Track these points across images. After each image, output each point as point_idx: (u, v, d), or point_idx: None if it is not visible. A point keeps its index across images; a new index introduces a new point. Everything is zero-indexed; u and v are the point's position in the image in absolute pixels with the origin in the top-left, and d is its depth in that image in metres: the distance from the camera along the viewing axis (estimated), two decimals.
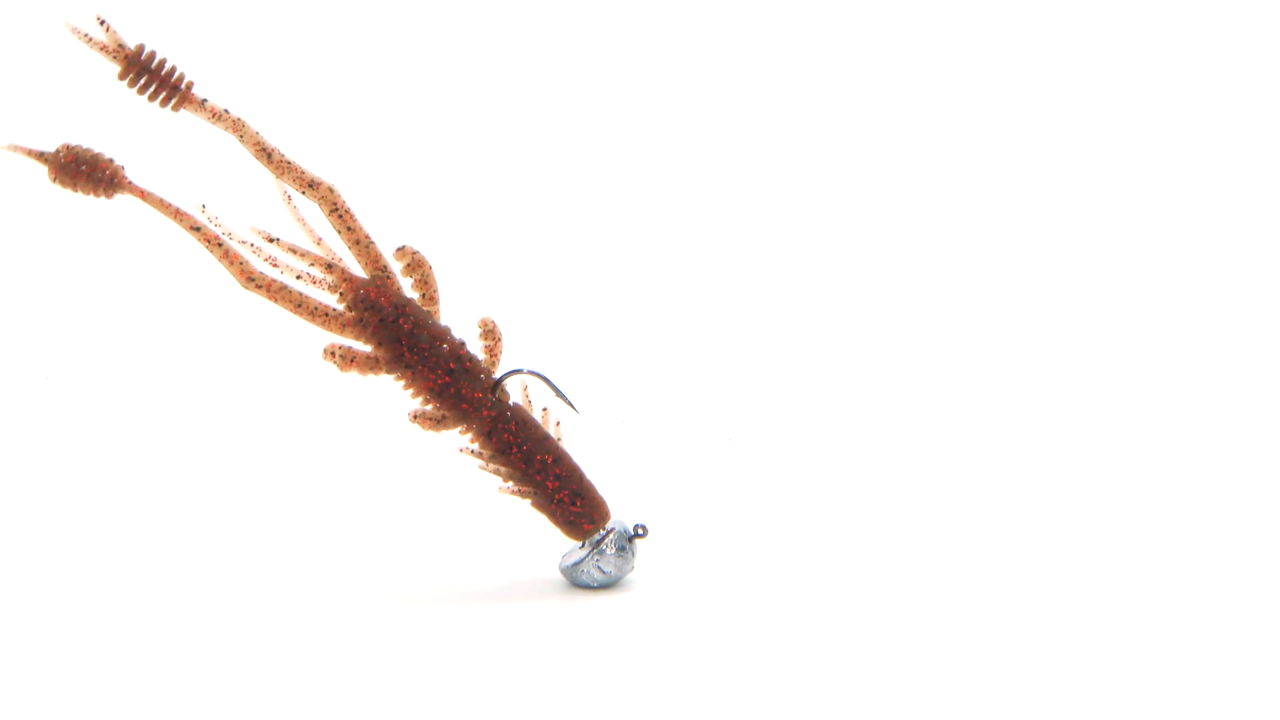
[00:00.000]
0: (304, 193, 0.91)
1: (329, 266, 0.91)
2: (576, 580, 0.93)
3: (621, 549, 0.93)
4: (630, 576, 0.94)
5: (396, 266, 0.92)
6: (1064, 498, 1.06)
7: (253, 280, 0.91)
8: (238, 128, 0.90)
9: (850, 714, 0.79)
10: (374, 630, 0.89)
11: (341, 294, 0.91)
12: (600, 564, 0.93)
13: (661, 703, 0.81)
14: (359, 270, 0.92)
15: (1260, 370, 1.24)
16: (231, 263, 0.91)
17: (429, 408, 0.92)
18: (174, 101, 0.89)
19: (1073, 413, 1.20)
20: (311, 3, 1.43)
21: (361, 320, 0.91)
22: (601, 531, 0.93)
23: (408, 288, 0.92)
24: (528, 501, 0.94)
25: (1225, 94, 1.40)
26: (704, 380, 1.27)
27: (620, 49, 1.43)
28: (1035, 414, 1.20)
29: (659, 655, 0.86)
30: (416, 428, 0.92)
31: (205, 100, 0.90)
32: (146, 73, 0.89)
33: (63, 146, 0.90)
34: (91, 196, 0.90)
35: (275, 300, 0.91)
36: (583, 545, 0.93)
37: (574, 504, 0.93)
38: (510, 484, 0.93)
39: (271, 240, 0.91)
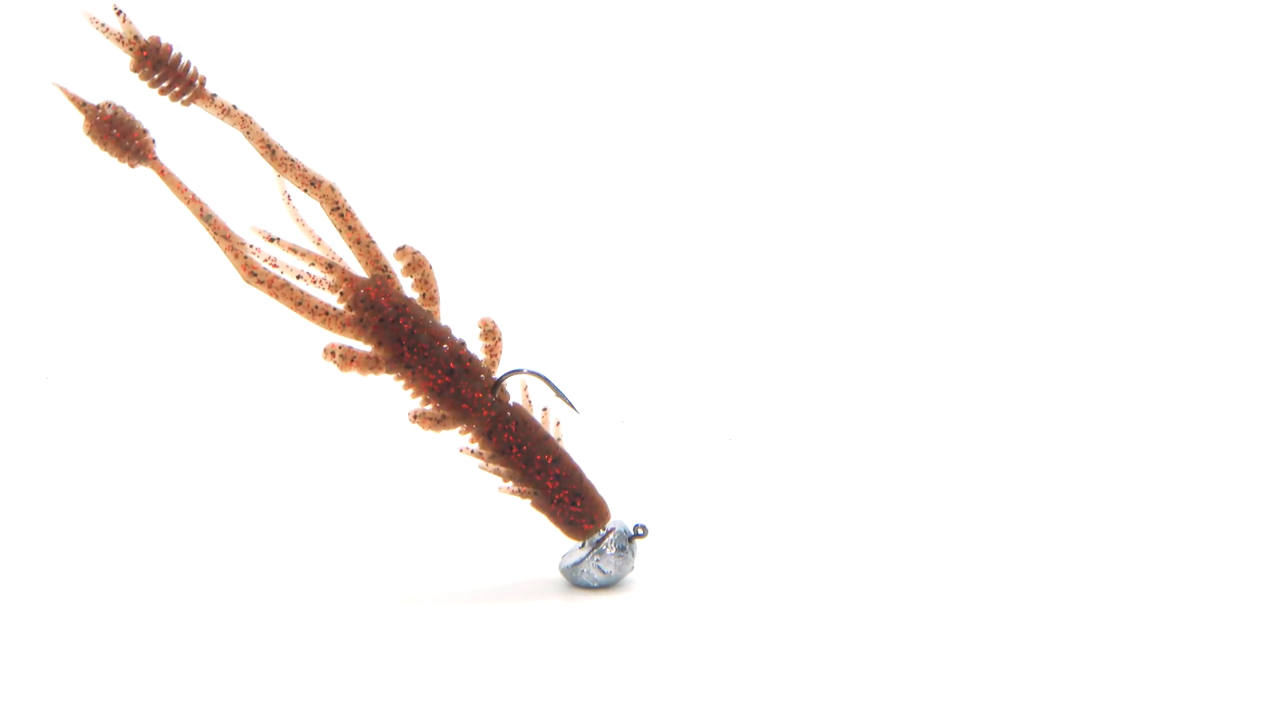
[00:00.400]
0: (306, 190, 0.91)
1: (329, 266, 0.91)
2: (576, 580, 0.93)
3: (621, 549, 0.93)
4: (630, 576, 0.94)
5: (397, 266, 0.92)
6: (1062, 496, 1.06)
7: (255, 275, 0.91)
8: (245, 123, 0.90)
9: (849, 713, 0.79)
10: (374, 631, 0.89)
11: (342, 294, 0.91)
12: (600, 564, 0.93)
13: (661, 703, 0.81)
14: (360, 270, 0.92)
15: (1260, 370, 1.24)
16: (236, 256, 0.91)
17: (429, 407, 0.92)
18: (186, 96, 0.90)
19: (1071, 411, 1.20)
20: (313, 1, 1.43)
21: (362, 320, 0.91)
22: (601, 531, 0.93)
23: (408, 287, 0.92)
24: (528, 501, 0.94)
25: (1225, 94, 1.40)
26: (703, 380, 1.27)
27: (618, 47, 1.43)
28: (1033, 413, 1.20)
29: (659, 655, 0.86)
30: (416, 427, 0.92)
31: (215, 95, 0.90)
32: (160, 66, 0.89)
33: (106, 103, 0.90)
34: (115, 160, 0.90)
35: (276, 297, 0.91)
36: (583, 545, 0.93)
37: (574, 504, 0.93)
38: (510, 484, 0.93)
39: (272, 240, 0.91)
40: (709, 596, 0.92)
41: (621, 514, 0.94)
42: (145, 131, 0.90)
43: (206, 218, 0.90)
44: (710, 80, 1.42)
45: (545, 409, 0.93)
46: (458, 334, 0.92)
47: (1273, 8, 1.40)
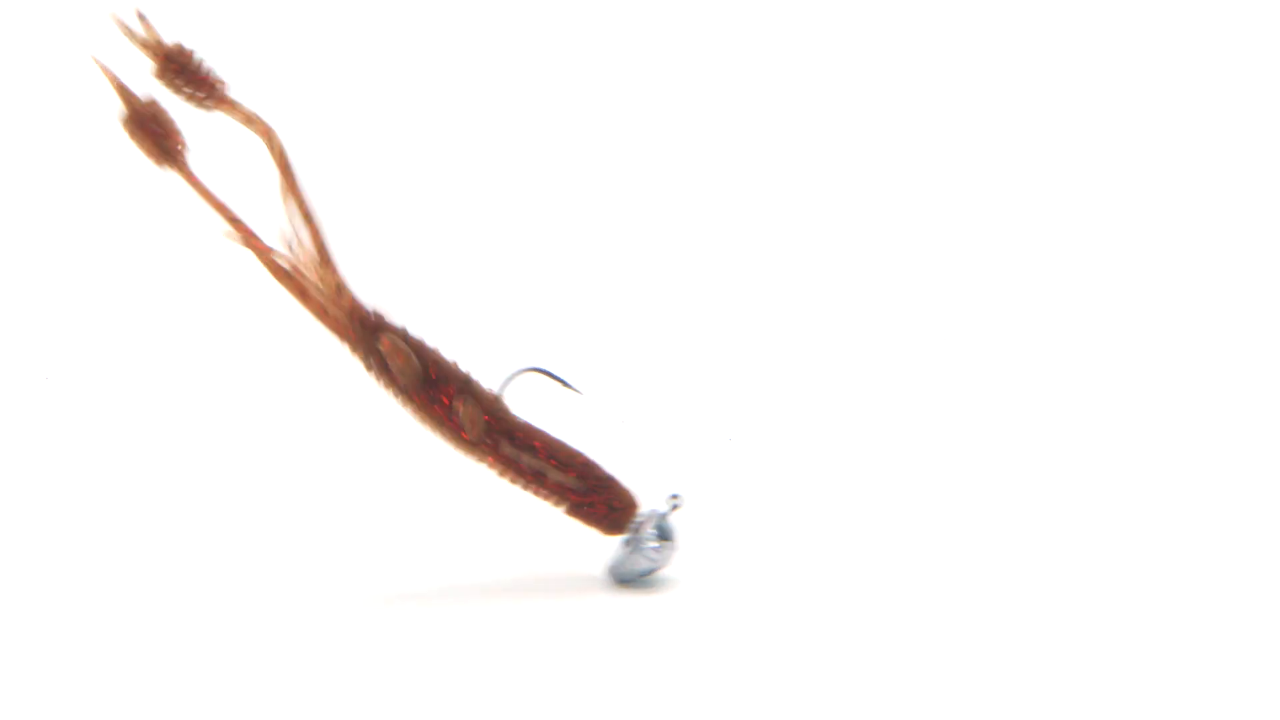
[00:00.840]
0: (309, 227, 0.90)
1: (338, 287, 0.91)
2: (626, 576, 0.93)
3: (661, 529, 0.92)
4: (670, 572, 0.94)
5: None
6: (1090, 488, 1.05)
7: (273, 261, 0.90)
8: (268, 135, 0.89)
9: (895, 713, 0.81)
10: (426, 632, 0.88)
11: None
12: (644, 551, 0.92)
13: (711, 699, 0.82)
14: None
15: (1260, 370, 1.23)
16: (260, 254, 0.90)
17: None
18: (210, 102, 0.89)
19: (1084, 409, 1.19)
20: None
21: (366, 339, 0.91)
22: (636, 520, 0.92)
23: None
24: (561, 509, 0.93)
25: (1225, 94, 1.38)
26: (724, 371, 1.26)
27: (615, 46, 1.38)
28: (1054, 410, 1.19)
29: (708, 654, 0.86)
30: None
31: (239, 103, 0.90)
32: (184, 71, 0.89)
33: (152, 100, 0.89)
34: (144, 156, 0.89)
35: (285, 287, 0.91)
36: (622, 540, 0.93)
37: (599, 500, 0.92)
38: (535, 492, 0.93)
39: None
40: (748, 592, 0.92)
41: (650, 499, 0.93)
42: (180, 136, 0.89)
43: (235, 222, 0.90)
44: (706, 77, 1.39)
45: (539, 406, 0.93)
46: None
47: (1273, 8, 1.36)
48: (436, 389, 0.91)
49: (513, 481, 0.92)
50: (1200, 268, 1.34)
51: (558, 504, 0.93)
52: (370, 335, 0.91)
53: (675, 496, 0.93)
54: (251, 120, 0.89)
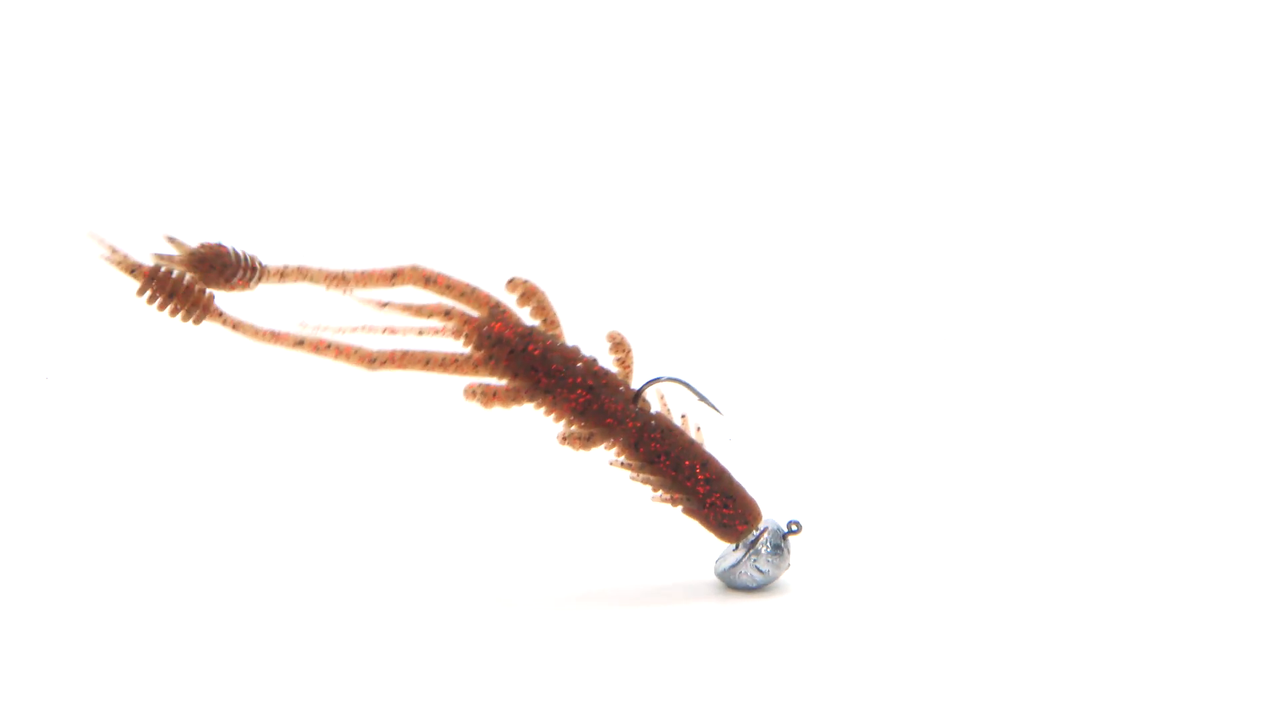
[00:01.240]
0: (391, 287, 0.90)
1: (446, 313, 0.91)
2: (734, 582, 0.94)
3: (776, 547, 0.93)
4: (786, 576, 0.95)
5: (510, 299, 0.92)
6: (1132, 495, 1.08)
7: (375, 361, 0.90)
8: (303, 274, 0.89)
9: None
10: (536, 636, 0.89)
11: (466, 336, 0.91)
12: (757, 564, 0.93)
13: (822, 703, 0.83)
14: (474, 312, 0.91)
15: (1260, 370, 1.26)
16: (348, 357, 0.90)
17: (574, 427, 0.92)
18: (255, 280, 0.89)
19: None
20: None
21: (491, 356, 0.91)
22: (755, 532, 0.94)
23: (526, 316, 0.92)
24: (679, 508, 0.94)
25: (1225, 94, 1.41)
26: (842, 379, 1.27)
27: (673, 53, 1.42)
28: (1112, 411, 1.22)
29: (820, 656, 0.87)
30: (567, 449, 0.92)
31: (268, 267, 0.89)
32: (224, 267, 0.88)
33: (156, 264, 0.88)
34: (180, 319, 0.89)
35: (405, 367, 0.91)
36: (736, 547, 0.94)
37: (726, 506, 0.93)
38: (660, 492, 0.94)
39: (384, 305, 0.90)
40: (866, 596, 0.93)
41: (772, 513, 0.95)
42: (203, 290, 0.88)
43: (300, 344, 0.89)
44: (767, 83, 1.42)
45: (684, 415, 0.94)
46: (587, 351, 0.92)
47: (1273, 7, 1.41)
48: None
49: (640, 471, 0.93)
50: (1200, 268, 1.37)
51: (679, 501, 0.93)
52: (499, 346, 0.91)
53: (795, 522, 0.94)
54: (284, 275, 0.89)
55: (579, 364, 0.91)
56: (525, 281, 0.92)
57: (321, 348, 0.89)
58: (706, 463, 0.93)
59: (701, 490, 0.93)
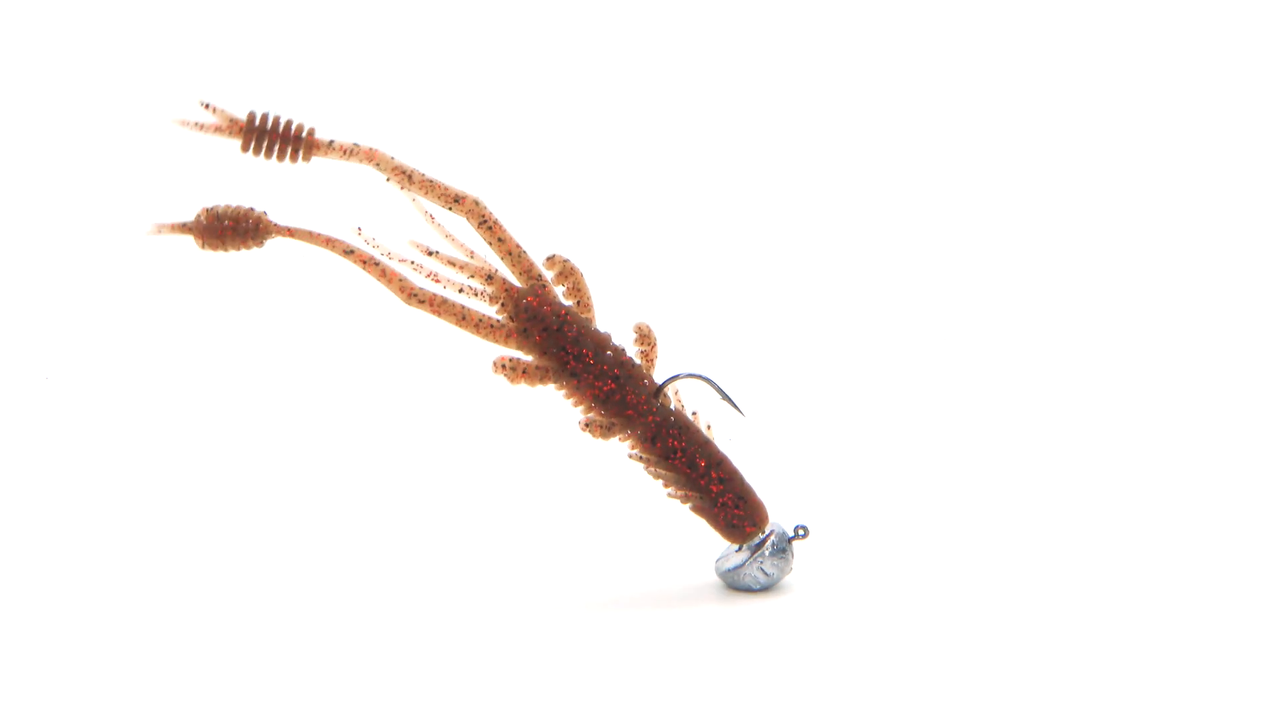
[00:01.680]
0: (450, 208, 0.91)
1: (489, 278, 0.92)
2: (737, 584, 0.95)
3: (781, 550, 0.95)
4: (789, 579, 0.96)
5: (548, 275, 0.92)
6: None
7: (414, 296, 0.91)
8: (372, 157, 0.90)
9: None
10: (534, 636, 0.90)
11: (502, 304, 0.92)
12: (762, 566, 0.94)
13: (826, 704, 0.83)
14: (515, 281, 0.92)
15: (1261, 371, 1.27)
16: (390, 281, 0.91)
17: (595, 415, 0.93)
18: (303, 153, 0.89)
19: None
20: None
21: (525, 330, 0.92)
22: (762, 534, 0.95)
23: (561, 296, 0.93)
24: (688, 506, 0.95)
25: (1225, 94, 1.44)
26: (852, 382, 1.28)
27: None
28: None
29: (823, 658, 0.88)
30: (588, 436, 0.93)
31: (332, 141, 0.90)
32: (265, 136, 0.89)
33: (201, 211, 0.89)
34: (243, 250, 0.90)
35: (439, 314, 0.91)
36: (740, 549, 0.95)
37: (737, 508, 0.94)
38: (672, 489, 0.95)
39: (430, 254, 0.91)
40: (870, 599, 0.94)
41: (777, 516, 0.96)
42: (252, 209, 0.89)
43: (349, 252, 0.90)
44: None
45: (695, 412, 0.95)
46: (616, 340, 0.93)
47: (1273, 8, 1.44)
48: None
49: (652, 465, 0.94)
50: (1200, 268, 1.38)
51: (690, 499, 0.94)
52: (534, 318, 0.92)
53: (802, 527, 0.95)
54: (351, 152, 0.90)
55: (608, 352, 0.92)
56: (565, 260, 0.93)
57: (369, 263, 0.90)
58: (720, 463, 0.94)
59: (715, 490, 0.94)
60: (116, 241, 1.35)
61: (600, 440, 0.93)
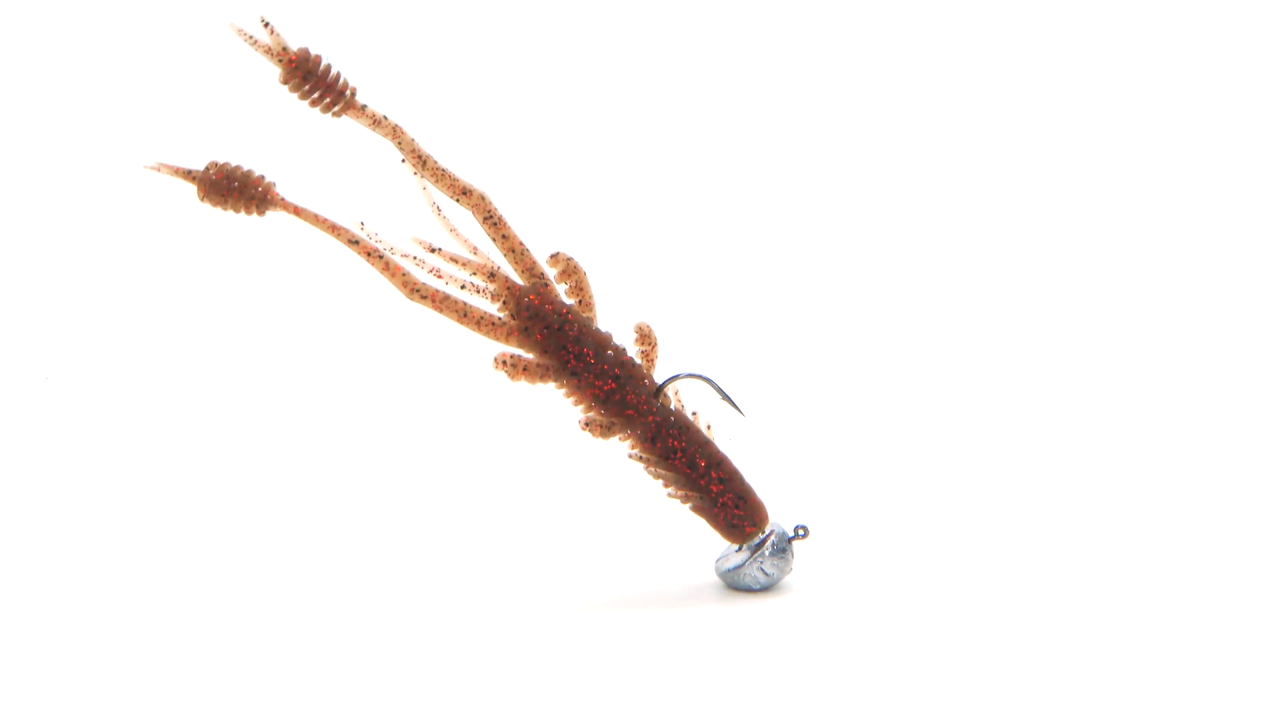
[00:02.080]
0: (457, 200, 0.91)
1: (491, 275, 0.92)
2: (737, 584, 0.95)
3: (781, 550, 0.95)
4: (789, 578, 0.96)
5: (550, 273, 0.92)
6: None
7: (417, 291, 0.91)
8: (396, 134, 0.90)
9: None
10: (534, 637, 0.90)
11: (504, 302, 0.92)
12: (762, 566, 0.94)
13: (825, 704, 0.83)
14: (516, 278, 0.92)
15: (1261, 371, 1.27)
16: (393, 275, 0.90)
17: (595, 414, 0.93)
18: (337, 107, 0.89)
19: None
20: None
21: (527, 329, 0.92)
22: (762, 534, 0.95)
23: (563, 294, 0.93)
24: (688, 506, 0.95)
25: (1225, 94, 1.44)
26: (855, 381, 1.28)
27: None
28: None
29: (823, 658, 0.88)
30: (588, 435, 0.93)
31: (365, 106, 0.90)
32: (311, 77, 0.88)
33: (212, 164, 0.89)
34: (243, 214, 0.89)
35: (440, 310, 0.91)
36: (740, 549, 0.95)
37: (737, 507, 0.94)
38: (672, 489, 0.95)
39: (433, 250, 0.91)
40: (870, 599, 0.94)
41: (777, 516, 0.96)
42: (262, 177, 0.89)
43: (354, 242, 0.90)
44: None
45: (695, 413, 0.95)
46: (617, 339, 0.93)
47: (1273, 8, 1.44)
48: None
49: (652, 465, 0.93)
50: (1200, 268, 1.38)
51: (690, 499, 0.94)
52: (534, 319, 0.92)
53: (802, 527, 0.95)
54: (379, 123, 0.90)
55: (609, 351, 0.92)
56: (568, 259, 0.93)
57: (373, 255, 0.90)
58: (720, 463, 0.94)
59: (715, 490, 0.94)
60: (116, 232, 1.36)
61: (600, 440, 0.93)
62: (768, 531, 0.94)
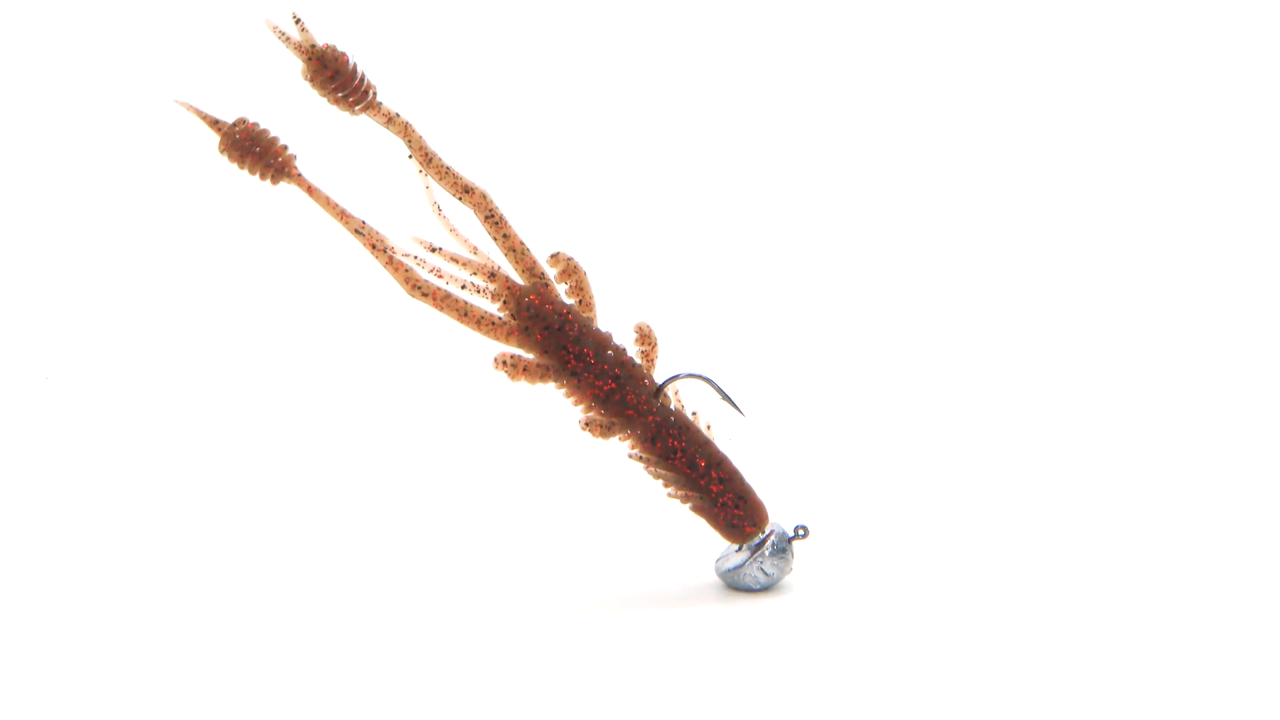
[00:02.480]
0: (459, 198, 0.91)
1: (491, 275, 0.92)
2: (737, 584, 0.95)
3: (781, 550, 0.95)
4: (789, 578, 0.96)
5: (550, 273, 0.93)
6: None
7: (418, 288, 0.91)
8: (406, 131, 0.90)
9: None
10: (534, 637, 0.90)
11: (504, 302, 0.92)
12: (762, 566, 0.94)
13: (825, 704, 0.83)
14: (516, 278, 0.92)
15: (1261, 371, 1.27)
16: (396, 269, 0.91)
17: (595, 414, 0.93)
18: (359, 106, 0.89)
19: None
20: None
21: (527, 328, 0.92)
22: (762, 534, 0.95)
23: (563, 294, 0.93)
24: (688, 506, 0.95)
25: (1225, 94, 1.44)
26: (855, 381, 1.28)
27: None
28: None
29: (823, 658, 0.88)
30: (588, 435, 0.93)
31: (381, 103, 0.90)
32: (337, 75, 0.89)
33: (241, 120, 0.89)
34: (256, 178, 0.89)
35: (441, 309, 0.91)
36: (740, 549, 0.95)
37: (737, 507, 0.94)
38: (672, 489, 0.95)
39: (434, 250, 0.91)
40: (870, 599, 0.94)
41: (777, 516, 0.96)
42: (286, 147, 0.89)
43: (359, 231, 0.90)
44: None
45: (695, 413, 0.95)
46: (617, 339, 0.93)
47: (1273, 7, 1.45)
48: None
49: (652, 465, 0.93)
50: (1201, 268, 1.38)
51: (690, 499, 0.94)
52: (533, 317, 0.92)
53: (802, 527, 0.95)
54: (392, 120, 0.90)
55: (609, 351, 0.92)
56: (568, 259, 0.93)
57: (378, 247, 0.90)
58: (720, 463, 0.94)
59: (715, 490, 0.94)
60: (118, 237, 1.35)
61: (600, 440, 0.93)
62: (768, 531, 0.94)
